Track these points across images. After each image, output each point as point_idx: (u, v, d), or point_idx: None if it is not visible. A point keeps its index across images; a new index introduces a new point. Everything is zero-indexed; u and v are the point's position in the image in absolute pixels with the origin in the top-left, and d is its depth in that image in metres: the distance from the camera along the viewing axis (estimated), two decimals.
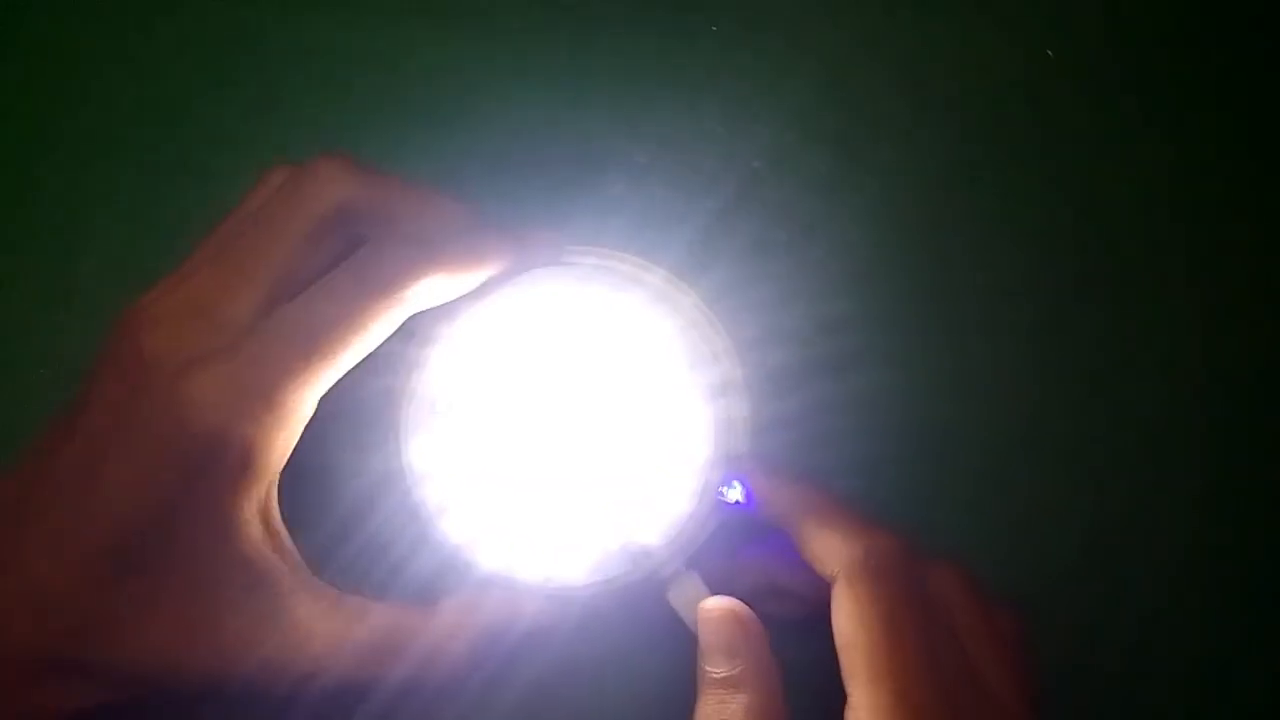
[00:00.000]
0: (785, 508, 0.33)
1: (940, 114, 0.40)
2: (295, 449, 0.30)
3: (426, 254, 0.30)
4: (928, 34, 0.41)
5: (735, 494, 0.33)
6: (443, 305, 0.31)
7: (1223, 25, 0.41)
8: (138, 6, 0.39)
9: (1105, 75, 0.41)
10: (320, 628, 0.31)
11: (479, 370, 0.33)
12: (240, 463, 0.29)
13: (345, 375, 0.30)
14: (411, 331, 0.31)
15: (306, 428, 0.30)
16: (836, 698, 0.30)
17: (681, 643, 0.32)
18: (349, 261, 0.30)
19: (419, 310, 0.31)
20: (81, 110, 0.39)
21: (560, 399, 0.33)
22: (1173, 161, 0.41)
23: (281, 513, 0.31)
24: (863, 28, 0.41)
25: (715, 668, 0.31)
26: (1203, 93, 0.41)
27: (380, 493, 0.33)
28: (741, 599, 0.32)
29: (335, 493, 0.34)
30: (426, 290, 0.30)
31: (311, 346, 0.29)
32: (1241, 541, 0.39)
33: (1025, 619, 0.34)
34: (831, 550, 0.31)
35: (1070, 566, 0.39)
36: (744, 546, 0.35)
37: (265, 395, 0.28)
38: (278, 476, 0.30)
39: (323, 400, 0.30)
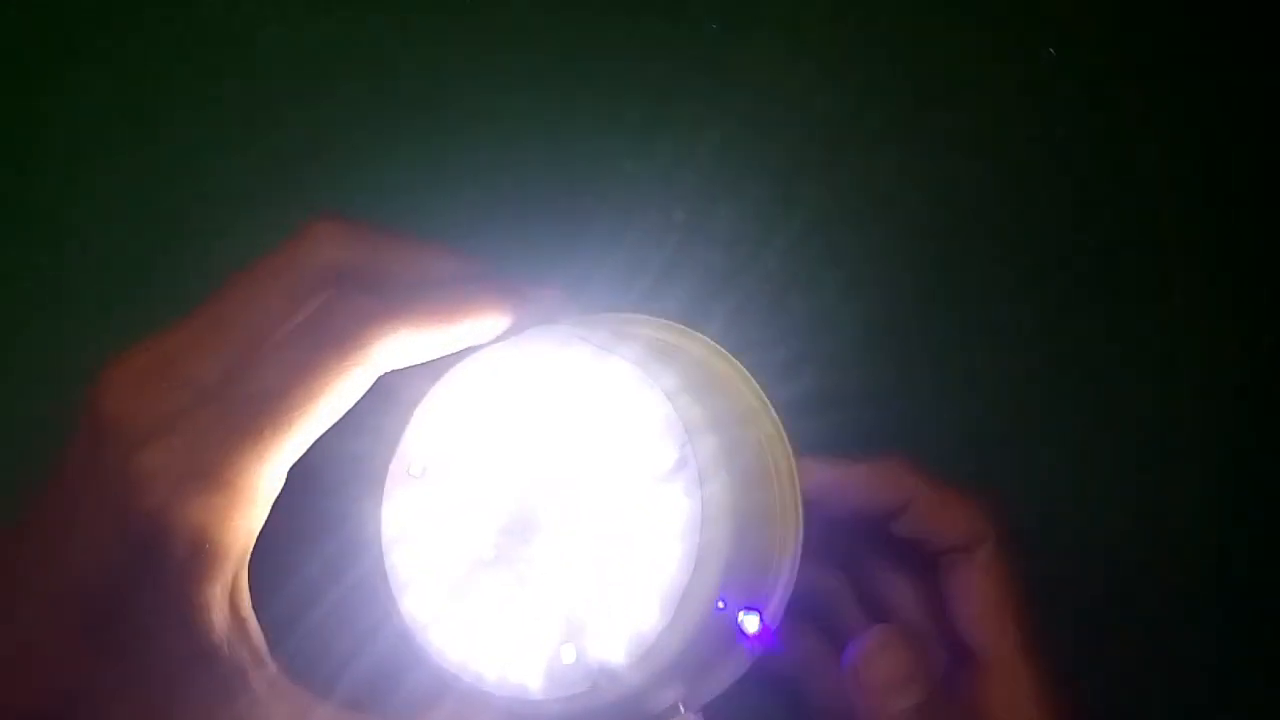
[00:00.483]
0: (887, 482, 0.33)
1: (946, 115, 0.41)
2: None
3: (392, 306, 0.27)
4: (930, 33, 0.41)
5: (752, 624, 0.27)
6: (429, 363, 0.29)
7: (1223, 24, 0.42)
8: (135, 6, 0.39)
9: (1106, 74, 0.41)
10: None
11: (455, 435, 0.30)
12: (192, 548, 0.26)
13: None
14: (389, 391, 0.29)
15: None
16: None
17: None
18: (305, 318, 0.28)
19: (390, 368, 0.28)
20: (79, 111, 0.38)
21: (537, 474, 0.29)
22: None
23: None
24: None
25: (907, 699, 0.31)
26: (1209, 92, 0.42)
27: (342, 564, 0.31)
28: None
29: (292, 563, 0.32)
30: (395, 346, 0.27)
31: (263, 415, 0.26)
32: (1243, 541, 0.40)
33: None
34: (962, 521, 0.32)
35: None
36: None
37: (214, 473, 0.26)
38: (245, 559, 0.28)
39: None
